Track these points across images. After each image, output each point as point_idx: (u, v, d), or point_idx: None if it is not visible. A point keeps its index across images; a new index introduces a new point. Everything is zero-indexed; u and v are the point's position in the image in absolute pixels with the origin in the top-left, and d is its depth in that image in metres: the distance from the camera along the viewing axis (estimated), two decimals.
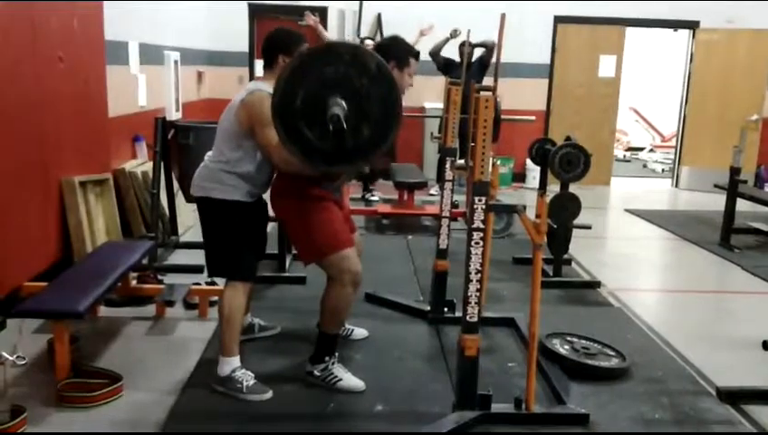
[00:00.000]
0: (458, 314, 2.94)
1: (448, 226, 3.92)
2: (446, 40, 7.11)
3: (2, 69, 3.60)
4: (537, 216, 2.85)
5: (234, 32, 8.52)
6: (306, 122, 2.61)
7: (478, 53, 7.03)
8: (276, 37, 3.10)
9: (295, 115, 2.61)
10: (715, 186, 6.48)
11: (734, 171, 5.88)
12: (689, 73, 9.22)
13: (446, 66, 7.18)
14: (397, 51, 3.23)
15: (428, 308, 3.99)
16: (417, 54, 3.29)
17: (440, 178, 4.45)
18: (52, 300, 3.06)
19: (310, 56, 2.65)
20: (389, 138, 2.67)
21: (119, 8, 5.23)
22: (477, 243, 2.75)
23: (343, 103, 2.54)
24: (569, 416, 2.88)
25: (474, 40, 6.37)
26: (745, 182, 6.15)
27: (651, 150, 12.42)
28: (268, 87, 2.90)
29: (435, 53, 7.18)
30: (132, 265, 3.71)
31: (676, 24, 9.40)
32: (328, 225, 2.99)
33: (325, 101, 2.55)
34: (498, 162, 8.30)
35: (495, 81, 3.67)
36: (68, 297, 3.03)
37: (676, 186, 9.43)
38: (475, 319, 2.76)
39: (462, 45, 6.81)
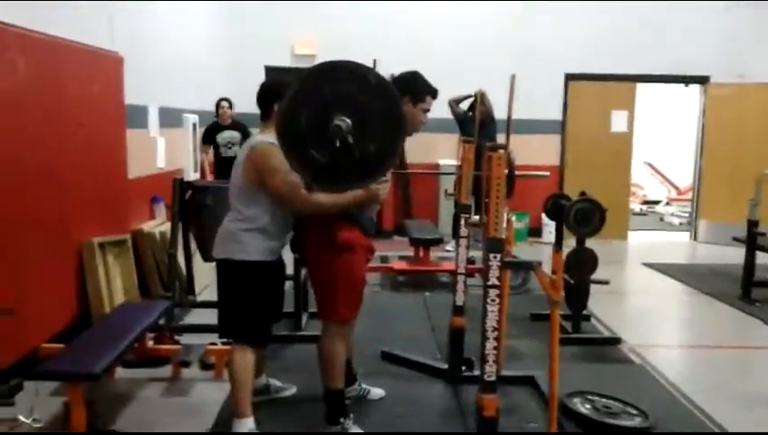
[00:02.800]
0: (476, 372, 2.90)
1: (464, 282, 3.90)
2: (469, 96, 7.26)
3: (28, 136, 3.71)
4: (553, 272, 2.83)
5: (251, 94, 8.70)
6: (313, 144, 2.62)
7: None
8: (270, 87, 3.15)
9: (301, 138, 2.63)
10: (734, 239, 6.42)
11: (752, 224, 5.84)
12: (702, 127, 9.26)
13: (463, 120, 7.32)
14: (413, 85, 3.16)
15: (446, 367, 3.95)
16: (434, 92, 3.21)
17: (456, 234, 4.46)
18: (68, 362, 3.06)
19: (309, 78, 2.65)
20: (396, 150, 2.70)
21: (139, 73, 5.38)
22: (493, 300, 2.73)
23: (346, 120, 2.56)
24: None
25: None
26: (764, 235, 6.09)
27: (668, 204, 12.37)
28: (267, 138, 2.96)
29: (456, 102, 7.37)
30: (149, 325, 3.72)
31: (686, 80, 9.48)
32: (349, 294, 3.04)
33: (329, 120, 2.56)
34: (513, 218, 8.31)
35: (507, 137, 3.71)
36: (84, 359, 3.03)
37: (695, 239, 9.35)
38: (493, 378, 2.72)
39: (473, 104, 6.95)
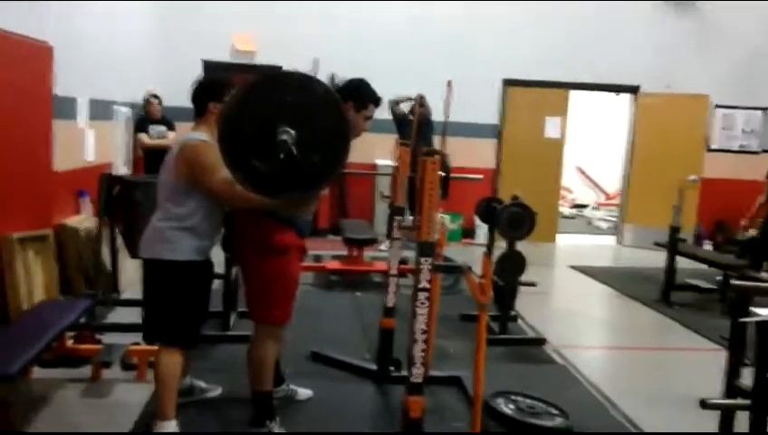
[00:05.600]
0: (405, 372, 2.93)
1: (396, 283, 3.93)
2: (409, 99, 7.34)
3: None
4: (482, 276, 2.88)
5: (187, 88, 8.52)
6: (256, 153, 2.59)
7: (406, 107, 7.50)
8: (206, 85, 3.10)
9: (244, 146, 2.59)
10: (656, 244, 6.66)
11: (674, 230, 6.08)
12: (632, 135, 9.59)
13: (401, 121, 7.45)
14: (358, 92, 3.16)
15: (375, 367, 3.96)
16: (377, 101, 3.23)
17: (390, 235, 4.49)
18: None
19: (255, 86, 2.63)
20: (340, 161, 2.70)
21: (69, 63, 5.18)
22: (423, 303, 2.76)
23: (291, 131, 2.55)
24: None
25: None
26: (685, 241, 6.34)
27: (596, 208, 12.75)
28: (200, 135, 2.91)
29: (396, 103, 7.48)
30: (69, 324, 3.60)
31: (617, 89, 9.82)
32: (284, 297, 3.02)
33: (273, 129, 2.54)
34: (447, 218, 8.39)
35: (443, 141, 3.76)
36: None
37: (621, 243, 9.67)
38: (420, 380, 2.75)
39: (413, 106, 7.03)
